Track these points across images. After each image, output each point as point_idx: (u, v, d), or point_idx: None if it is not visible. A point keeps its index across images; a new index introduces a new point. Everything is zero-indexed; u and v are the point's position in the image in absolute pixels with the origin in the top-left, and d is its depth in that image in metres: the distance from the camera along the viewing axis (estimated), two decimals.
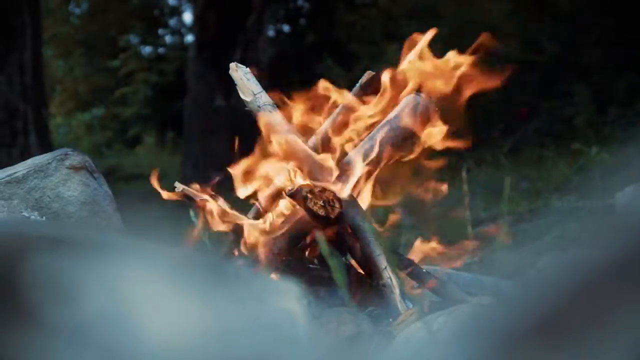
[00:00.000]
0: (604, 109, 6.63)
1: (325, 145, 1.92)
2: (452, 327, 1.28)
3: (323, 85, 1.98)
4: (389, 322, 1.61)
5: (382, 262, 1.75)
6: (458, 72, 1.87)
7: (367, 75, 1.96)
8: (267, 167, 1.91)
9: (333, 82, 2.01)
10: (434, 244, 1.98)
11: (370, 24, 9.28)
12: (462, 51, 1.90)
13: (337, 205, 1.74)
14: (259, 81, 1.97)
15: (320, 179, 1.83)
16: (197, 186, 1.95)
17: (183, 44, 12.73)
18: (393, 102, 1.91)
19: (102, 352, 0.60)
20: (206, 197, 1.91)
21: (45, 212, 1.71)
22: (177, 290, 0.67)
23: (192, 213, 1.93)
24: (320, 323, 1.53)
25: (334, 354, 1.07)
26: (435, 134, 1.88)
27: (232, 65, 2.00)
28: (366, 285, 1.81)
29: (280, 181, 1.89)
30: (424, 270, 1.81)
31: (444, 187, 1.95)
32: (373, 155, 1.84)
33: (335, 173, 1.85)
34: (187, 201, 1.94)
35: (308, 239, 1.87)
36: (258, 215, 1.94)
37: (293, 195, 1.74)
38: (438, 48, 1.93)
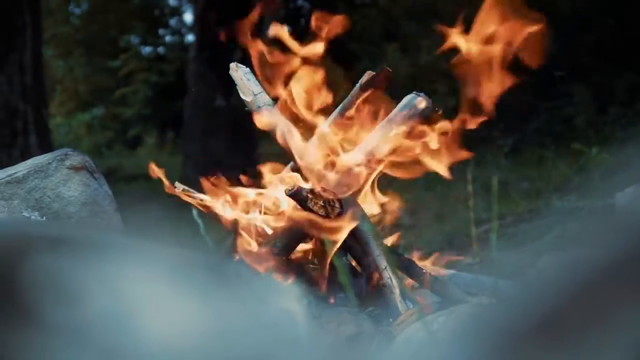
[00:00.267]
0: (604, 109, 6.63)
1: (325, 145, 1.92)
2: (452, 327, 1.28)
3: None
4: (389, 322, 1.61)
5: (382, 262, 1.75)
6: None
7: (367, 75, 1.95)
8: (270, 167, 1.92)
9: (333, 82, 2.01)
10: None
11: (370, 24, 9.27)
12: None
13: (337, 205, 1.74)
14: (258, 81, 1.98)
15: (321, 179, 1.83)
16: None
17: (183, 44, 12.74)
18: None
19: (102, 352, 0.60)
20: (207, 197, 1.91)
21: (46, 212, 1.71)
22: (178, 290, 0.67)
23: (194, 212, 1.93)
24: (320, 323, 1.53)
25: (334, 354, 1.07)
26: (435, 134, 1.88)
27: (232, 65, 2.00)
28: (366, 285, 1.81)
29: (281, 181, 1.89)
30: (423, 270, 1.81)
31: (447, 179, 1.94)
32: (373, 155, 1.84)
33: (336, 173, 1.84)
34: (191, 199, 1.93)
35: (308, 239, 1.87)
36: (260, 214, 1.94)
37: (293, 195, 1.74)
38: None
